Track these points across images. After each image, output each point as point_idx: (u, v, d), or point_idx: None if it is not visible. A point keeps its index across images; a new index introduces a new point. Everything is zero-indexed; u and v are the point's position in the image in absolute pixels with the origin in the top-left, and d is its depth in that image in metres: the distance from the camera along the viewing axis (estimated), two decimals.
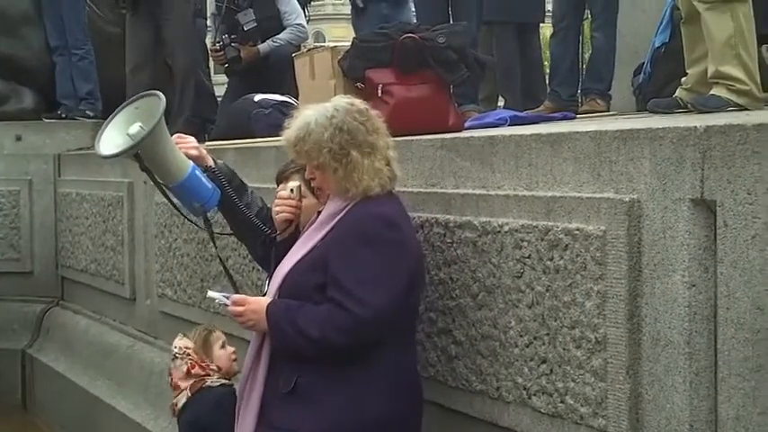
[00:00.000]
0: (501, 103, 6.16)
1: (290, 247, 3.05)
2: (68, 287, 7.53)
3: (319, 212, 3.04)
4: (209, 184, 3.17)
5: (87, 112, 7.85)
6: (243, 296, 3.03)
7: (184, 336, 3.97)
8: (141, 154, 3.00)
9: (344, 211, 2.91)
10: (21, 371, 7.43)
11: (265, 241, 3.23)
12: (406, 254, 2.92)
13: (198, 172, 3.15)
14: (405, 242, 2.93)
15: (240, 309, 2.96)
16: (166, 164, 3.08)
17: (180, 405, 3.82)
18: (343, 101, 3.02)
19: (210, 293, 3.10)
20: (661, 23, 5.01)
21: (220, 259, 3.64)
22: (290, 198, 3.14)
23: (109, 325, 6.64)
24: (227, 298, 3.01)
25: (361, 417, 2.84)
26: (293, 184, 3.17)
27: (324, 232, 2.93)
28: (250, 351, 3.04)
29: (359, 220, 2.88)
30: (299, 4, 6.76)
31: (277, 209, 3.15)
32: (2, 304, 7.50)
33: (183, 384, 3.83)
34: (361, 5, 6.06)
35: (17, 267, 7.61)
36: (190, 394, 3.78)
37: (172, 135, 3.28)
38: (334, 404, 2.84)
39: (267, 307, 2.91)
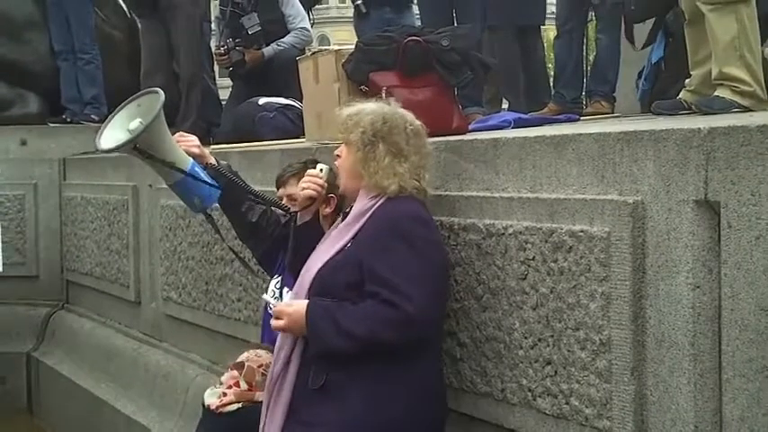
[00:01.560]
0: (505, 105, 6.17)
1: (312, 233, 3.09)
2: (73, 291, 7.54)
3: (346, 213, 3.06)
4: (210, 181, 3.19)
5: (92, 116, 7.85)
6: (280, 308, 2.99)
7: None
8: (141, 147, 3.03)
9: (373, 209, 2.94)
10: (26, 374, 7.43)
11: (287, 222, 3.24)
12: (440, 253, 2.97)
13: (198, 168, 3.17)
14: (437, 241, 2.99)
15: (281, 323, 2.96)
16: (166, 159, 3.10)
17: (228, 409, 3.62)
18: (404, 110, 3.09)
19: (265, 297, 3.15)
20: (659, 37, 5.01)
21: (231, 248, 3.60)
22: (317, 176, 3.15)
23: (114, 328, 6.65)
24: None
25: (391, 416, 2.85)
26: (323, 165, 3.20)
27: (354, 231, 2.95)
28: (278, 350, 3.04)
29: (393, 218, 2.90)
30: (303, 7, 6.77)
31: (303, 185, 3.16)
32: (7, 308, 7.51)
33: (249, 396, 3.63)
34: (364, 11, 6.07)
35: (22, 271, 7.61)
36: (240, 405, 3.62)
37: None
38: (364, 402, 2.85)
39: (306, 314, 2.90)
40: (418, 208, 2.97)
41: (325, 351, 2.90)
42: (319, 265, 2.98)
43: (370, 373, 2.86)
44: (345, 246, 2.95)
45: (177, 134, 3.29)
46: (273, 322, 2.99)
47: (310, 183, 3.15)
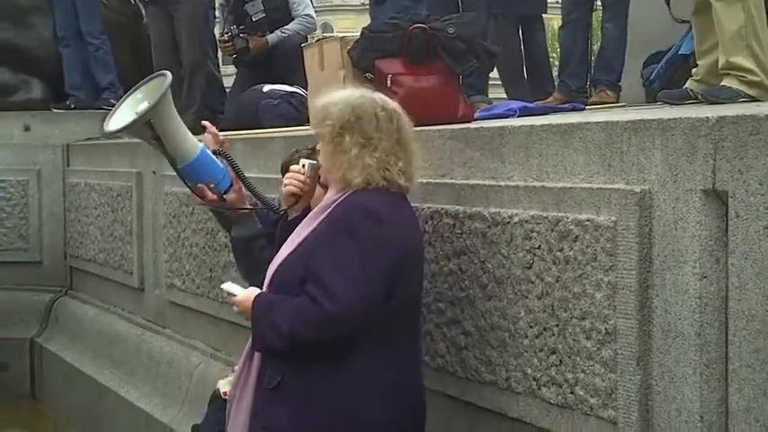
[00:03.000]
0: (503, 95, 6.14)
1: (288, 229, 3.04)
2: (77, 277, 7.55)
3: None
4: (221, 165, 3.17)
5: (111, 100, 7.82)
6: (234, 299, 2.95)
7: None
8: (153, 124, 3.00)
9: (336, 203, 2.85)
10: (29, 360, 7.46)
11: (277, 221, 3.17)
12: (387, 250, 2.78)
13: (208, 152, 3.16)
14: (387, 237, 2.79)
15: (237, 309, 2.95)
16: (175, 141, 3.08)
17: None
18: (378, 94, 2.97)
19: (225, 286, 3.01)
20: (689, 31, 4.92)
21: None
22: (299, 173, 3.07)
23: (117, 314, 6.66)
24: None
25: (343, 420, 2.78)
26: (306, 161, 3.12)
27: (315, 225, 2.87)
28: (246, 347, 2.99)
29: (344, 212, 2.80)
30: None
31: (285, 181, 3.09)
32: (11, 294, 7.53)
33: None
34: None
35: (26, 257, 7.63)
36: None
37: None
38: (316, 405, 2.78)
39: (252, 306, 2.86)
40: (377, 201, 2.80)
41: (262, 345, 2.85)
42: (279, 260, 2.91)
43: (320, 375, 2.78)
44: (304, 240, 2.87)
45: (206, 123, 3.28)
46: (231, 299, 2.96)
47: (292, 179, 3.06)
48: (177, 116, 3.12)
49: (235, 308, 2.97)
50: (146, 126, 3.02)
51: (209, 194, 3.19)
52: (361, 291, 2.73)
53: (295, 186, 3.06)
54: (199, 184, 3.19)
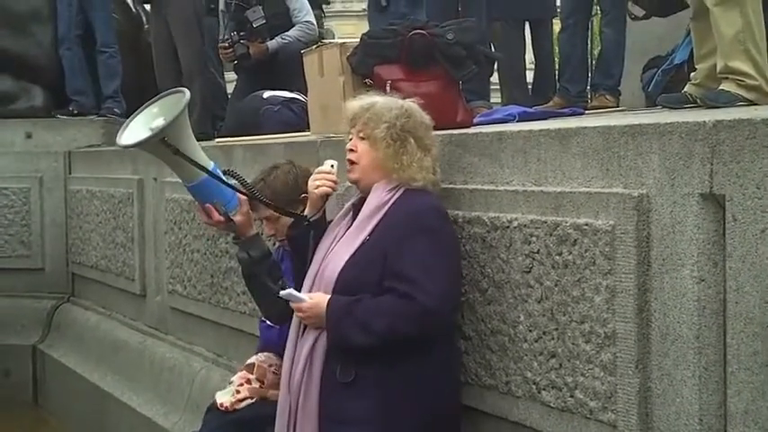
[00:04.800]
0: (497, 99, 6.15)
1: (320, 232, 3.08)
2: (79, 283, 7.56)
3: (355, 205, 3.06)
4: (232, 186, 3.16)
5: (115, 110, 7.83)
6: (300, 305, 2.97)
7: None
8: (169, 141, 2.99)
9: (391, 203, 2.94)
10: (32, 367, 7.45)
11: (301, 228, 3.17)
12: (457, 247, 3.02)
13: (219, 171, 3.15)
14: (454, 235, 3.03)
15: (301, 314, 2.98)
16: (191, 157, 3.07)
17: (242, 405, 3.68)
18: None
19: (290, 291, 3.02)
20: (685, 38, 4.95)
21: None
22: (330, 173, 3.12)
23: (119, 321, 6.66)
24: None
25: (419, 408, 2.87)
26: (332, 161, 3.17)
27: (373, 225, 2.94)
28: (295, 351, 3.01)
29: (416, 212, 2.92)
30: (311, 2, 6.76)
31: (317, 183, 3.10)
32: (13, 300, 7.53)
33: (262, 393, 3.67)
34: (384, 4, 6.06)
35: (28, 264, 7.63)
36: (252, 401, 3.68)
37: None
38: (393, 396, 2.86)
39: (326, 308, 2.90)
40: (438, 201, 3.01)
41: (344, 345, 2.89)
42: (341, 263, 2.94)
43: (396, 368, 2.86)
44: (364, 241, 2.93)
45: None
46: (296, 309, 2.99)
47: (325, 181, 3.10)
48: (192, 134, 3.09)
49: (299, 314, 2.99)
50: (160, 143, 3.00)
51: (216, 215, 3.18)
52: (450, 285, 2.92)
53: (329, 187, 3.11)
54: (206, 204, 3.18)
